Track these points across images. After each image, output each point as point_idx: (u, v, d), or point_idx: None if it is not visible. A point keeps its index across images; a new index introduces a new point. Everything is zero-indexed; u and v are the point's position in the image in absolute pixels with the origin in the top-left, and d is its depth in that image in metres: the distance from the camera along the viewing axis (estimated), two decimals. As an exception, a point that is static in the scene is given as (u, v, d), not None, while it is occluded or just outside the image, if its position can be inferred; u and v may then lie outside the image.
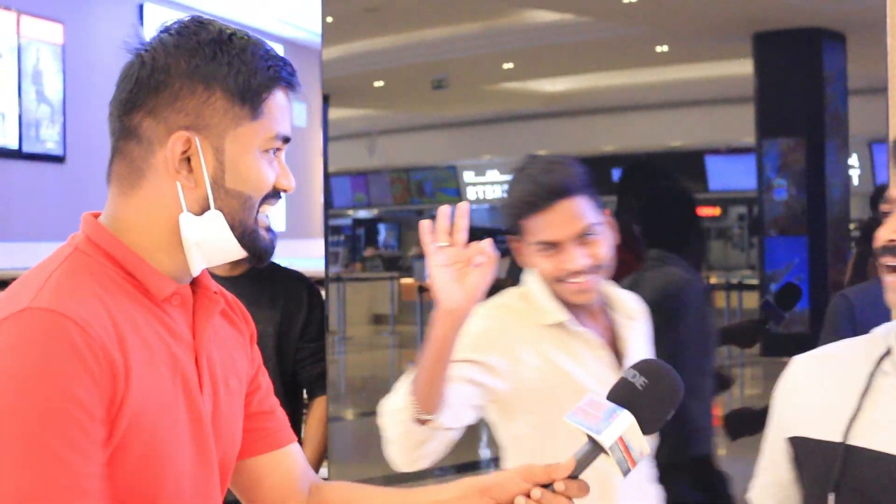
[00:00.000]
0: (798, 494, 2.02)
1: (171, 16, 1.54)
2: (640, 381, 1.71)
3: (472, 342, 2.45)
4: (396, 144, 22.17)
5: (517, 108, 20.81)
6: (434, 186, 27.40)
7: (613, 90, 18.94)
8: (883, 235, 1.83)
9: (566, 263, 2.37)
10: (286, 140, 1.64)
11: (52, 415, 1.37)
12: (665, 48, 14.81)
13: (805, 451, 1.94)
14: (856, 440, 1.87)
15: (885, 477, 1.81)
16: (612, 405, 1.70)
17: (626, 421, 1.69)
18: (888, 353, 1.91)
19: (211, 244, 1.61)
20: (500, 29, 14.36)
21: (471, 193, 26.65)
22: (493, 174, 25.69)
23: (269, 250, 1.67)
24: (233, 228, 1.61)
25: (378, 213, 26.70)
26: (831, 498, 1.85)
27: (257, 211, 1.64)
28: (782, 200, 13.27)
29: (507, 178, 19.66)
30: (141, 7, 11.01)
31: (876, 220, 5.74)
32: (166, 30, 1.60)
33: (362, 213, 26.62)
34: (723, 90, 17.41)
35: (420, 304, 14.45)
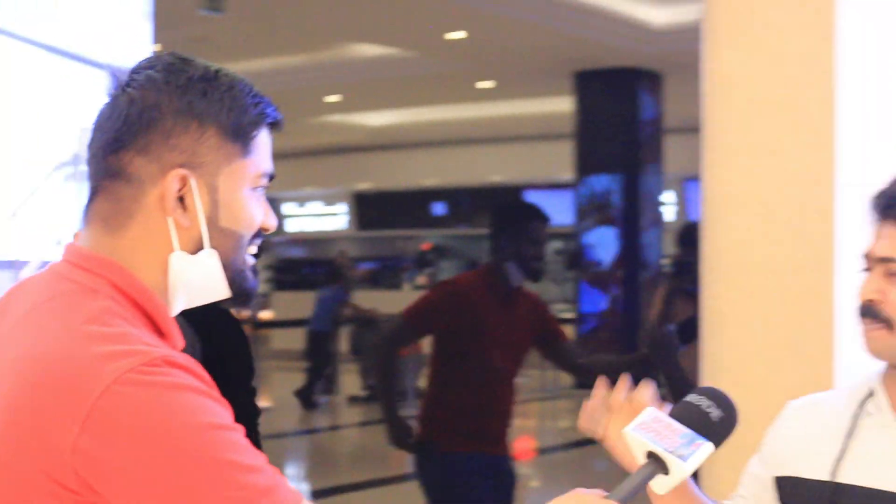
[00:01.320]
0: None
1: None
2: (715, 413, 1.66)
3: None
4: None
5: (340, 141, 20.73)
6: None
7: (436, 125, 19.10)
8: (863, 294, 1.86)
9: None
10: (271, 178, 1.65)
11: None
12: (488, 84, 15.05)
13: (793, 490, 2.00)
14: (843, 478, 1.93)
15: None
16: (690, 431, 1.59)
17: (707, 451, 1.59)
18: (871, 394, 1.98)
19: (200, 285, 1.59)
20: (325, 62, 14.35)
21: (291, 226, 26.20)
22: (314, 206, 25.38)
23: (255, 291, 1.66)
24: (224, 268, 1.61)
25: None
26: None
27: (246, 252, 1.64)
28: (598, 237, 13.60)
29: (329, 209, 19.57)
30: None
31: (684, 258, 5.88)
32: (150, 66, 1.59)
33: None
34: (543, 127, 17.73)
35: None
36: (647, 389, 1.85)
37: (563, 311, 15.96)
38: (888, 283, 1.83)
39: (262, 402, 14.33)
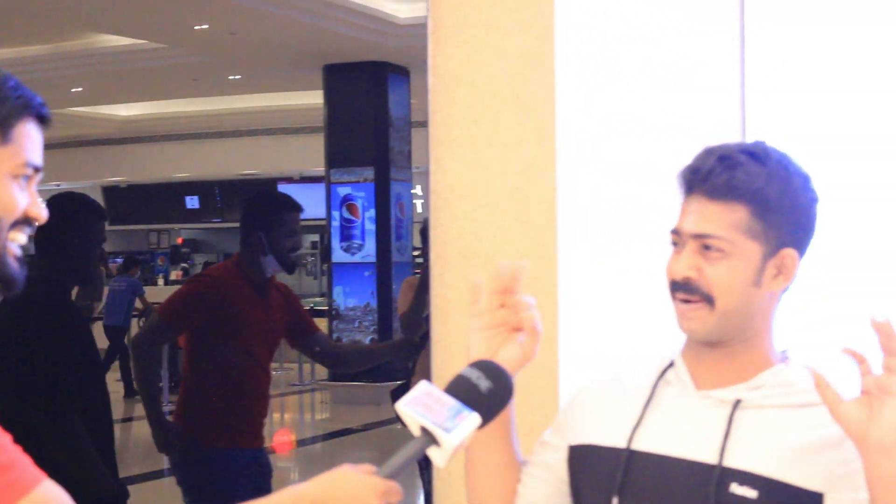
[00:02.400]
0: (561, 499, 2.07)
1: None
2: (484, 384, 1.69)
3: None
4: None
5: (89, 133, 20.21)
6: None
7: (187, 117, 18.82)
8: (675, 271, 1.87)
9: None
10: (37, 170, 1.68)
11: None
12: (238, 77, 14.92)
13: (588, 458, 1.97)
14: (638, 445, 1.90)
15: (663, 477, 1.86)
16: (457, 403, 1.64)
17: (473, 423, 1.66)
18: (672, 365, 2.00)
19: None
20: (69, 52, 14.00)
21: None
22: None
23: (18, 277, 1.68)
24: None
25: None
26: (615, 500, 1.89)
27: (6, 236, 1.66)
28: (350, 229, 13.64)
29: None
30: None
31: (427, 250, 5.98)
32: None
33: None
34: (294, 120, 17.66)
35: None
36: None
37: (319, 304, 15.99)
38: (703, 259, 1.84)
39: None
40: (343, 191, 13.17)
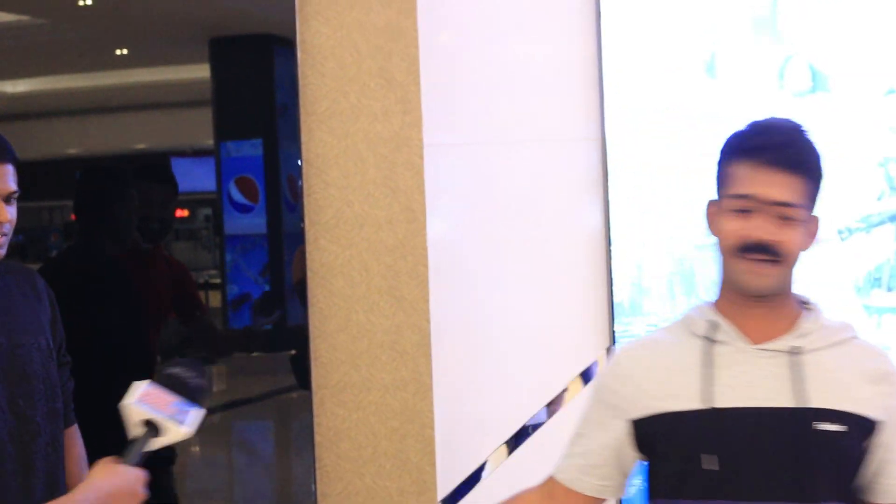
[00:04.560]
0: (615, 472, 2.18)
1: None
2: (196, 381, 1.90)
3: None
4: None
5: (-27, 111, 19.67)
6: None
7: (75, 92, 18.51)
8: (753, 234, 2.01)
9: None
10: None
11: None
12: (125, 51, 14.77)
13: (666, 425, 2.08)
14: (720, 403, 2.02)
15: (754, 426, 2.00)
16: (182, 399, 1.86)
17: (200, 415, 1.88)
18: (717, 326, 2.08)
19: None
20: (-50, 29, 13.75)
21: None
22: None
23: None
24: None
25: None
26: (707, 458, 2.02)
27: None
28: (241, 202, 13.59)
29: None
30: None
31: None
32: None
33: None
34: (182, 94, 17.44)
35: None
36: None
37: (214, 277, 15.90)
38: (776, 224, 1.99)
39: None
40: (233, 163, 13.12)
